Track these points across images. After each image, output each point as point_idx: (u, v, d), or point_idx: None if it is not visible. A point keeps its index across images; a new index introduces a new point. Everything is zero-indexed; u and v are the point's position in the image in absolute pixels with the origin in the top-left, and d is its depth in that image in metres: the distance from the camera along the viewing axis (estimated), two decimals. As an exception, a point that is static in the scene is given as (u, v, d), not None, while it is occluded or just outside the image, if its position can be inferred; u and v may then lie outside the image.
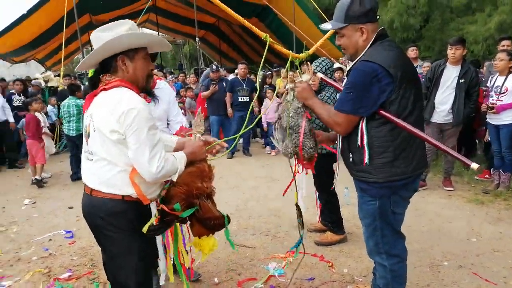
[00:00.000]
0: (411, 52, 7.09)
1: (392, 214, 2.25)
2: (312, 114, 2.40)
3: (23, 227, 4.63)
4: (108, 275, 2.14)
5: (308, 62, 2.55)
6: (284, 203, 4.94)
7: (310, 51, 2.57)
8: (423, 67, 6.59)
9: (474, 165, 1.97)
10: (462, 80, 4.94)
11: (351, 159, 2.25)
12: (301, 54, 2.47)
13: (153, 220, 1.98)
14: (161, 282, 2.41)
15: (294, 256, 3.33)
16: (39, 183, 6.36)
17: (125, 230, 1.97)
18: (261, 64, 2.85)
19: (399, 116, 2.07)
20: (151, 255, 2.19)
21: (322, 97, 3.54)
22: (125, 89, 1.92)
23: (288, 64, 2.53)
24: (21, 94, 8.43)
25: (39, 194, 6.02)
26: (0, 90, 8.32)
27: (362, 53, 2.16)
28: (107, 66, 1.98)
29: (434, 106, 5.16)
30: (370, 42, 2.15)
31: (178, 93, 10.16)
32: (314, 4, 12.43)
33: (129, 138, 1.83)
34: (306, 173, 2.87)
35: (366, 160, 2.14)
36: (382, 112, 2.07)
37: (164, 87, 2.98)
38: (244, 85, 7.88)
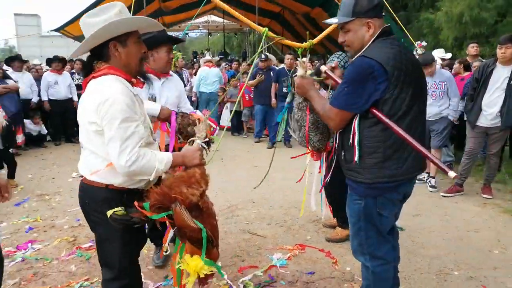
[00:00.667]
0: (471, 49, 6.69)
1: (378, 216, 2.20)
2: (311, 108, 2.41)
3: (64, 198, 5.07)
4: (98, 256, 2.19)
5: (304, 58, 2.53)
6: (307, 197, 4.94)
7: (315, 41, 2.57)
8: (473, 66, 6.20)
9: (451, 174, 1.89)
10: None
11: (343, 157, 2.24)
12: (304, 43, 2.48)
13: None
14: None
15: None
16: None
17: (105, 218, 1.95)
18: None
19: (391, 117, 2.02)
20: (138, 241, 2.20)
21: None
22: (111, 77, 1.90)
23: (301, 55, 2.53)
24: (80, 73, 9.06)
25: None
26: (69, 70, 9.05)
27: (364, 49, 2.12)
28: (99, 53, 1.96)
29: (480, 109, 4.86)
30: (373, 39, 2.11)
31: (229, 81, 10.38)
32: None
33: (104, 128, 1.85)
34: (319, 171, 2.88)
35: (356, 159, 2.12)
36: (374, 111, 2.03)
37: (174, 77, 3.16)
38: (290, 76, 7.87)
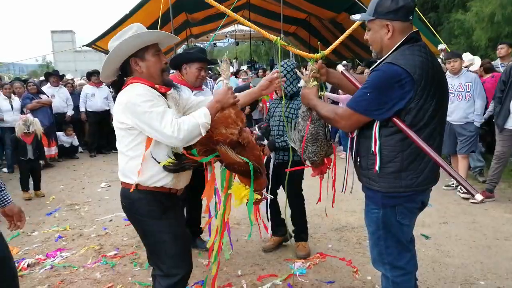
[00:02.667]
0: (501, 50, 6.47)
1: (398, 225, 2.14)
2: (314, 118, 2.38)
3: (93, 207, 5.23)
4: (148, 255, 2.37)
5: (305, 68, 2.50)
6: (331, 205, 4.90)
7: (327, 52, 2.53)
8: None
9: (478, 197, 1.82)
10: None
11: (358, 163, 2.21)
12: (316, 54, 2.46)
13: (168, 162, 2.11)
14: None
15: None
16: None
17: (145, 217, 2.18)
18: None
19: (413, 126, 1.98)
20: (184, 238, 2.34)
21: (288, 106, 3.43)
22: (135, 84, 2.11)
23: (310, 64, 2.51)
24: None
25: (116, 178, 6.62)
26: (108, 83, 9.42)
27: (387, 54, 2.08)
28: (125, 70, 2.22)
29: (509, 112, 4.70)
30: (398, 44, 2.05)
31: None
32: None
33: (140, 124, 2.02)
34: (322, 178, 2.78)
35: (377, 167, 2.06)
36: (396, 120, 1.98)
37: (206, 91, 3.60)
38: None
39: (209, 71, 11.19)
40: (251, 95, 2.54)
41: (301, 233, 3.71)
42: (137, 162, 2.10)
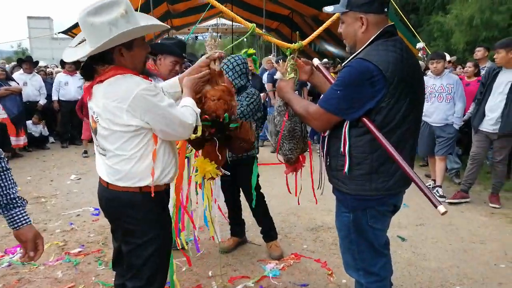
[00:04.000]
0: (477, 53, 6.49)
1: (370, 229, 2.03)
2: (290, 114, 2.25)
3: (60, 201, 4.99)
4: (125, 261, 2.07)
5: (282, 60, 2.39)
6: (308, 203, 4.80)
7: (305, 42, 2.41)
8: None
9: (441, 208, 1.72)
10: None
11: (328, 163, 2.09)
12: (294, 44, 2.34)
13: (199, 132, 2.01)
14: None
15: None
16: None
17: (144, 222, 1.94)
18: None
19: (383, 127, 1.86)
20: (169, 245, 2.14)
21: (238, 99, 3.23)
22: (124, 75, 1.81)
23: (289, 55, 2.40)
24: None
25: (87, 171, 6.42)
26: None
27: (361, 49, 1.95)
28: (100, 56, 1.82)
29: (484, 113, 4.70)
30: (372, 38, 1.92)
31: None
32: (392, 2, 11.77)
33: (150, 121, 1.80)
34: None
35: (346, 169, 1.95)
36: (365, 120, 1.86)
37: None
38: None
39: (189, 63, 10.95)
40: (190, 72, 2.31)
41: (270, 231, 3.56)
42: (147, 162, 1.87)
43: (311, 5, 14.07)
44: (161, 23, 2.03)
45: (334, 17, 2.65)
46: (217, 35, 2.26)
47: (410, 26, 10.14)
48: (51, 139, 8.78)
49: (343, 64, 2.05)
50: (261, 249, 3.63)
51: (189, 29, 21.27)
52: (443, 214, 1.76)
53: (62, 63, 8.87)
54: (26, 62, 8.22)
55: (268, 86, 7.99)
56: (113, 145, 1.85)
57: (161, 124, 1.82)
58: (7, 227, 4.05)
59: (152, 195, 1.88)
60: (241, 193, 3.62)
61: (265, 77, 8.26)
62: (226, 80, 2.18)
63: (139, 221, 1.93)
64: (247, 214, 3.84)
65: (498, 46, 4.55)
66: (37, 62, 9.12)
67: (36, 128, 8.02)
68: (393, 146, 1.85)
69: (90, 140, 7.72)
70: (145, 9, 10.97)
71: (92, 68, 1.86)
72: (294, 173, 2.48)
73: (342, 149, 1.94)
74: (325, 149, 2.08)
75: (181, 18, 18.26)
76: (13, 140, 7.21)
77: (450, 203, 4.83)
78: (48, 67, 11.92)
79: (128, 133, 1.82)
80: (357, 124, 1.90)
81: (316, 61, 2.32)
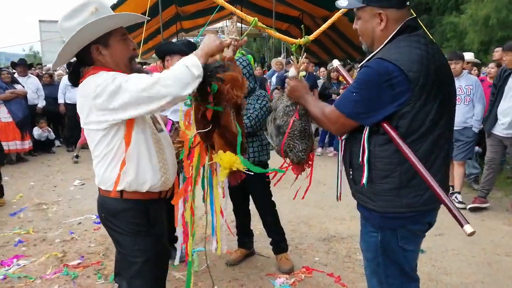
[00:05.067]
0: (496, 53, 6.24)
1: (400, 251, 1.78)
2: (300, 113, 2.06)
3: (62, 208, 4.83)
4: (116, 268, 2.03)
5: (294, 56, 2.20)
6: (319, 212, 4.59)
7: (311, 37, 2.22)
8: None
9: (468, 228, 1.51)
10: None
11: (351, 176, 1.86)
12: (300, 39, 2.15)
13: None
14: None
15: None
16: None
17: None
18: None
19: (410, 134, 1.63)
20: (161, 258, 2.00)
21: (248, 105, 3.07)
22: (96, 74, 1.71)
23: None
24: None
25: (92, 176, 6.22)
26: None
27: (379, 48, 1.74)
28: (82, 58, 1.79)
29: (496, 117, 4.46)
30: (393, 34, 1.71)
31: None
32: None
33: (113, 103, 1.63)
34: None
35: (364, 181, 1.72)
36: (386, 126, 1.64)
37: None
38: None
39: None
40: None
41: (280, 242, 3.33)
42: (119, 163, 1.75)
43: (321, 6, 13.88)
44: (137, 14, 1.86)
45: (339, 13, 2.46)
46: (238, 23, 2.08)
47: (423, 27, 9.88)
48: (57, 143, 8.66)
49: (360, 65, 1.84)
50: (270, 262, 3.41)
51: (198, 31, 21.20)
52: (470, 235, 1.54)
53: (68, 66, 8.72)
54: (19, 65, 8.02)
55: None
56: (91, 147, 1.82)
57: (124, 103, 1.63)
58: (5, 236, 3.92)
59: (110, 196, 1.78)
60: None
61: (274, 79, 8.06)
62: (238, 70, 1.99)
63: (123, 231, 1.84)
64: (255, 223, 3.64)
65: (507, 48, 4.35)
66: (31, 65, 9.00)
67: (41, 132, 7.86)
68: (426, 154, 1.65)
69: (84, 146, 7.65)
70: (154, 12, 10.91)
71: (78, 72, 1.82)
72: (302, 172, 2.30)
73: (360, 159, 1.73)
74: (347, 160, 1.86)
75: (191, 21, 18.20)
76: (18, 144, 7.09)
77: (471, 210, 4.57)
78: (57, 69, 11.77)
79: (99, 131, 1.73)
80: (378, 130, 1.68)
81: (336, 62, 2.15)
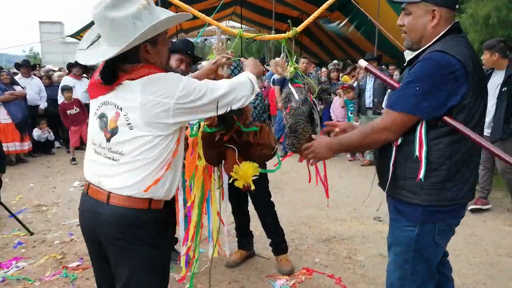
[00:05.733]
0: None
1: (434, 246, 1.82)
2: (291, 108, 2.18)
3: (62, 209, 4.81)
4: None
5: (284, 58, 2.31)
6: (320, 212, 4.57)
7: (299, 29, 2.26)
8: None
9: None
10: (505, 88, 4.18)
11: (390, 172, 1.84)
12: (288, 32, 2.19)
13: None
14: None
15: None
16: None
17: (144, 245, 1.69)
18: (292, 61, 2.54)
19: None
20: (168, 266, 1.91)
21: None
22: (159, 73, 1.63)
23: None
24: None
25: (92, 177, 6.24)
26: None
27: (429, 44, 1.77)
28: (126, 55, 1.60)
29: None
30: (443, 32, 1.75)
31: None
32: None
33: (192, 105, 1.64)
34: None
35: (421, 175, 1.72)
36: (448, 119, 1.67)
37: None
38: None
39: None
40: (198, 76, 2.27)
41: (280, 244, 3.30)
42: (163, 170, 1.66)
43: (321, 6, 13.83)
44: (188, 14, 1.79)
45: (326, 4, 2.52)
46: (225, 38, 2.15)
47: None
48: (57, 144, 8.65)
49: (408, 60, 1.89)
50: (270, 263, 3.40)
51: (198, 32, 21.20)
52: None
53: (69, 67, 8.71)
54: (23, 66, 8.02)
55: (276, 89, 7.79)
56: (138, 149, 1.61)
57: (206, 101, 1.69)
58: (5, 238, 3.91)
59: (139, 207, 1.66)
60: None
61: (274, 78, 8.07)
62: None
63: (141, 243, 1.69)
64: (255, 224, 3.62)
65: (484, 47, 4.36)
66: (34, 66, 8.98)
67: (41, 134, 7.84)
68: (467, 153, 1.74)
69: (77, 148, 7.61)
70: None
71: (115, 69, 1.63)
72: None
73: (417, 153, 1.73)
74: (392, 158, 1.83)
75: (190, 21, 18.14)
76: (17, 145, 7.08)
77: (472, 211, 4.54)
78: (59, 71, 11.76)
79: (160, 135, 1.61)
80: (435, 124, 1.71)
81: (363, 62, 2.05)
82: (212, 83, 1.75)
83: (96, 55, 1.63)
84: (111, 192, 1.64)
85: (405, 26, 1.83)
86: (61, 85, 8.18)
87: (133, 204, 1.64)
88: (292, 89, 2.36)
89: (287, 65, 2.27)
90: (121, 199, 1.63)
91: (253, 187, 2.34)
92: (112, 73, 1.63)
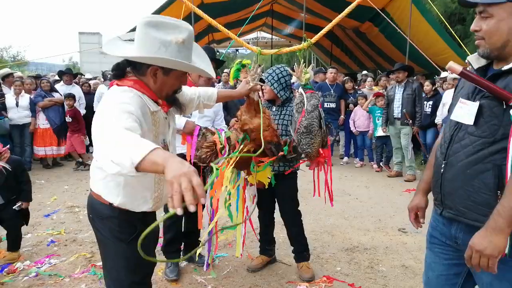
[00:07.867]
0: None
1: None
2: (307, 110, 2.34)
3: (93, 211, 5.00)
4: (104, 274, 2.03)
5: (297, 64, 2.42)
6: (343, 222, 4.56)
7: (313, 40, 2.33)
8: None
9: None
10: None
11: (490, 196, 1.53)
12: (303, 43, 2.28)
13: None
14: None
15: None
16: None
17: (109, 237, 1.84)
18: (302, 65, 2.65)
19: None
20: (148, 264, 1.96)
21: (281, 113, 3.09)
22: (131, 91, 1.67)
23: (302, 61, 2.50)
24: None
25: (122, 181, 6.45)
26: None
27: None
28: (135, 64, 1.72)
29: None
30: None
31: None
32: (436, 10, 11.19)
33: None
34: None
35: None
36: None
37: None
38: (332, 91, 7.54)
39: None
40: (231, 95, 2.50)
41: (303, 251, 3.33)
42: (118, 182, 1.75)
43: (352, 17, 13.82)
44: (209, 70, 1.88)
45: (347, 10, 2.54)
46: (261, 67, 2.27)
47: (456, 36, 9.70)
48: (91, 149, 8.97)
49: (504, 69, 1.55)
50: (290, 270, 3.43)
51: (229, 43, 21.57)
52: None
53: (105, 75, 9.08)
54: (66, 74, 8.44)
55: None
56: (96, 149, 1.62)
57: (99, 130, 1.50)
58: (39, 236, 4.11)
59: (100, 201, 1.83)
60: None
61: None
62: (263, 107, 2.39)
63: (104, 233, 1.89)
64: (277, 230, 3.66)
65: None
66: (76, 74, 9.37)
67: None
68: None
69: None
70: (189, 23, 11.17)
71: (124, 70, 1.76)
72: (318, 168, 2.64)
73: None
74: (494, 179, 1.54)
75: (222, 32, 18.48)
76: (54, 149, 7.42)
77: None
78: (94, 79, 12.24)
79: None
80: None
81: (456, 65, 1.68)
82: (126, 137, 1.39)
83: (120, 50, 1.73)
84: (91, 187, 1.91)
85: (483, 31, 1.57)
86: (97, 92, 8.53)
87: (98, 197, 1.84)
88: (304, 95, 2.51)
89: (303, 73, 2.39)
90: (93, 192, 1.89)
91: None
92: (120, 71, 1.75)
